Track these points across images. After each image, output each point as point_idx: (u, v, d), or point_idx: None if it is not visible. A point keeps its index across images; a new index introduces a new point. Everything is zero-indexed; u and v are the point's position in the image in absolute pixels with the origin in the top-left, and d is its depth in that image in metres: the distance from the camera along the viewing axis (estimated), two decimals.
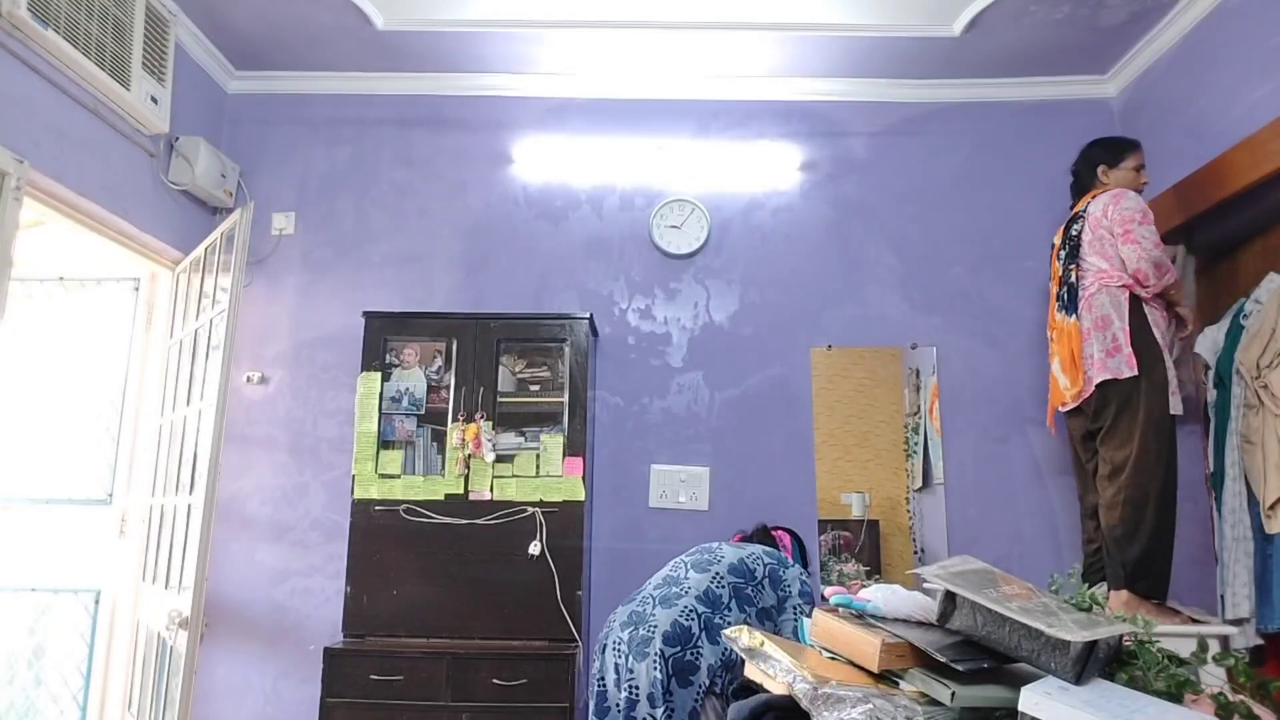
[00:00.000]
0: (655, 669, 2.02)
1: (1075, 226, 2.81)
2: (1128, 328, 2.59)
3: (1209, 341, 3.00)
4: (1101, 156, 2.92)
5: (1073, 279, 2.75)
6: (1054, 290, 2.90)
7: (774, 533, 2.79)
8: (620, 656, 2.11)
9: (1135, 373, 2.54)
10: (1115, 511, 2.55)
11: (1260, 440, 2.70)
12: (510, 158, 3.77)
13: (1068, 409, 2.79)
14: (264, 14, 3.35)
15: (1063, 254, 2.84)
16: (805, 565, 2.77)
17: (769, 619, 2.27)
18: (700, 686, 2.04)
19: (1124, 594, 2.50)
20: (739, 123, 3.80)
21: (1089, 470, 2.79)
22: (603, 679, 2.17)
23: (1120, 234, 2.64)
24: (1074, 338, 2.67)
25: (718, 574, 2.28)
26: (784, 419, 3.56)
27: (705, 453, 3.52)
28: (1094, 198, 2.81)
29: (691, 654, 2.05)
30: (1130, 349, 2.57)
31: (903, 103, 3.78)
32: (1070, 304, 2.73)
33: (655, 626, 2.10)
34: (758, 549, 2.44)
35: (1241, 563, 2.71)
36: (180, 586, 2.82)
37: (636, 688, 2.04)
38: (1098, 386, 2.61)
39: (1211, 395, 2.96)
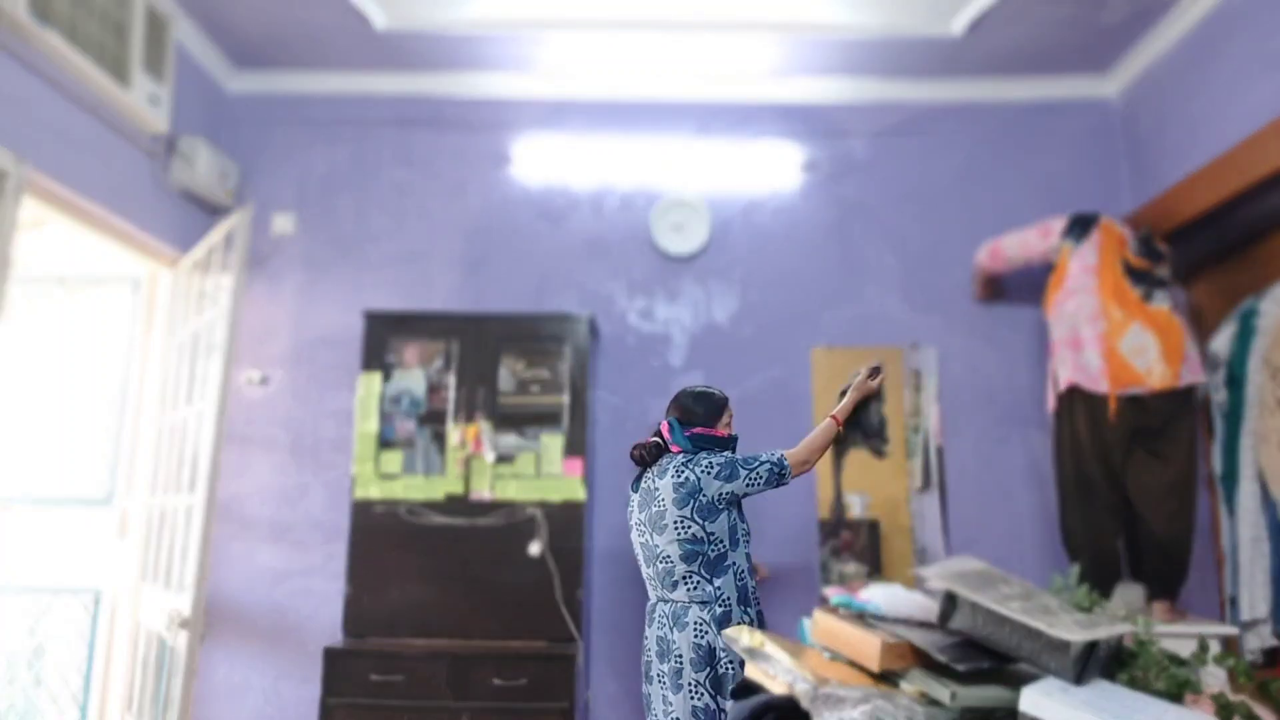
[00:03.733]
0: (693, 698, 2.09)
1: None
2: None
3: (1223, 341, 2.99)
4: None
5: (1156, 274, 2.66)
6: (1118, 265, 2.70)
7: (663, 433, 2.34)
8: (664, 687, 2.19)
9: (1203, 379, 2.57)
10: (1179, 521, 2.51)
11: (1277, 439, 2.70)
12: (510, 158, 3.77)
13: (1130, 393, 2.58)
14: (264, 14, 3.35)
15: (1141, 245, 2.70)
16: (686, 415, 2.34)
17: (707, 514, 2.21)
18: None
19: (1168, 601, 2.50)
20: (739, 123, 3.80)
21: (1118, 465, 2.67)
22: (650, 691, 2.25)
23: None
24: (1176, 331, 2.57)
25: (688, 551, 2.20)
26: (784, 419, 3.55)
27: None
28: None
29: (722, 668, 2.10)
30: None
31: (903, 103, 3.78)
32: (1165, 295, 2.62)
33: (680, 655, 2.15)
34: (668, 501, 2.19)
35: (1259, 563, 2.70)
36: (180, 586, 2.82)
37: (677, 717, 2.13)
38: (1185, 387, 2.56)
39: (1221, 395, 2.95)
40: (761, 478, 2.17)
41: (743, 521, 2.22)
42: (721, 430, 2.30)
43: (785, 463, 2.18)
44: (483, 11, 3.31)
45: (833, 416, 2.28)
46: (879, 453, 2.30)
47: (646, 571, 2.29)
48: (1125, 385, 2.58)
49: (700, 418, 2.29)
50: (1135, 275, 2.68)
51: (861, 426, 2.34)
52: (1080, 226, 2.88)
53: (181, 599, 2.77)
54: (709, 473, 2.17)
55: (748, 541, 2.22)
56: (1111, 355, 2.59)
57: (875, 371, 2.35)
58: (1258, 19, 2.88)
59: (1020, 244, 3.03)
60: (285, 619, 3.43)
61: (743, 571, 2.17)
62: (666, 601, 2.21)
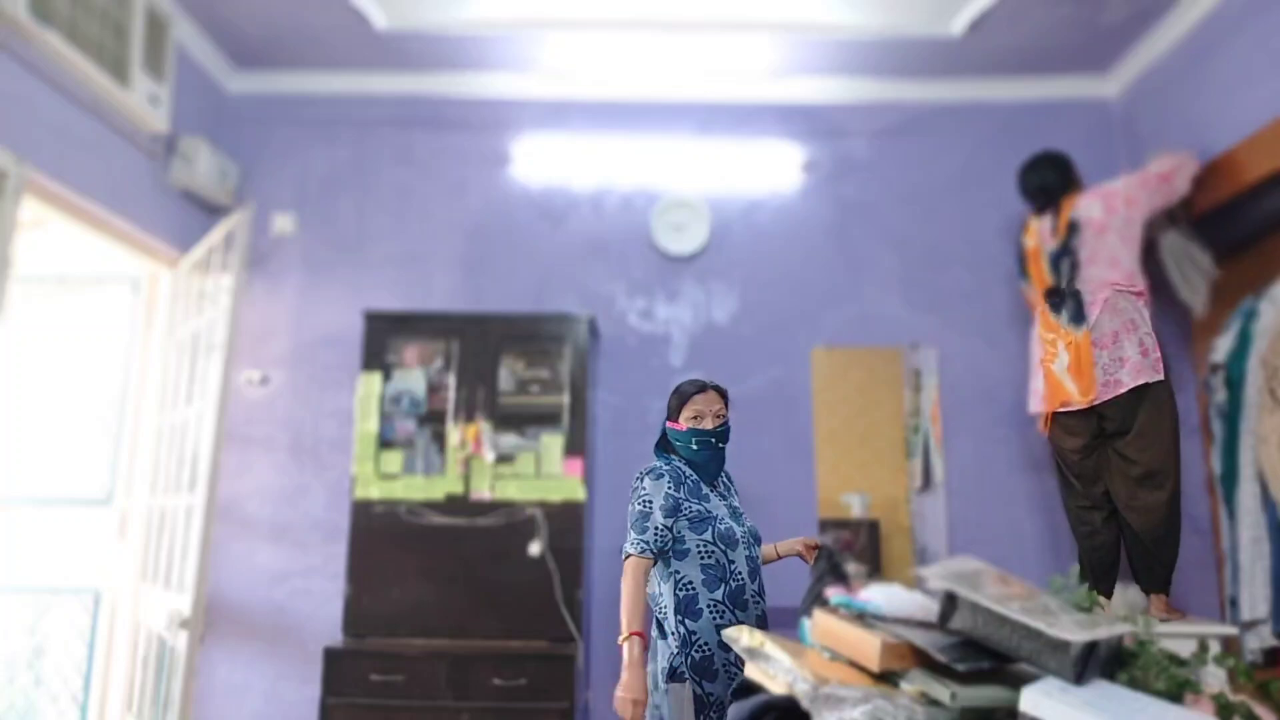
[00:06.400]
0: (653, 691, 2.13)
1: (1072, 239, 2.78)
2: (1152, 331, 2.62)
3: (1223, 342, 2.99)
4: (1072, 172, 2.96)
5: (1073, 289, 2.73)
6: (1040, 292, 2.87)
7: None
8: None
9: (1163, 376, 2.58)
10: (1157, 514, 2.53)
11: (1277, 439, 2.70)
12: (510, 158, 3.77)
13: (1072, 410, 2.72)
14: (264, 14, 3.35)
15: (1059, 263, 2.81)
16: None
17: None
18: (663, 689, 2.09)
19: (1163, 596, 2.52)
20: (739, 123, 3.80)
21: (1087, 468, 2.74)
22: None
23: (1152, 193, 2.73)
24: (1084, 348, 2.64)
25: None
26: (784, 419, 3.56)
27: None
28: (1073, 204, 2.81)
29: (663, 661, 2.11)
30: (1159, 353, 2.59)
31: (903, 103, 3.78)
32: (1076, 314, 2.70)
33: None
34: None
35: (1259, 563, 2.70)
36: (180, 586, 2.82)
37: (658, 706, 2.14)
38: (1131, 389, 2.59)
39: (1220, 396, 2.95)
40: (630, 530, 2.14)
41: (700, 533, 2.12)
42: (682, 424, 2.23)
43: (628, 555, 2.11)
44: (483, 11, 3.31)
45: (633, 635, 2.07)
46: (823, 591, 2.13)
47: None
48: (1060, 403, 2.70)
49: (669, 411, 2.28)
50: (1051, 297, 2.81)
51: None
52: (1019, 263, 3.05)
53: (181, 599, 2.77)
54: (634, 486, 2.19)
55: (708, 553, 2.11)
56: (1049, 376, 2.73)
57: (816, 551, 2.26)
58: (1258, 19, 2.88)
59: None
60: (285, 619, 3.43)
61: (689, 583, 2.09)
62: None
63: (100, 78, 2.82)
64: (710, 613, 2.07)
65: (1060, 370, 2.73)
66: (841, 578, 1.64)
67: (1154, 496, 2.55)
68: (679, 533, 2.12)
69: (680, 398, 2.25)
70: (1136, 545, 2.61)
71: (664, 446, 2.30)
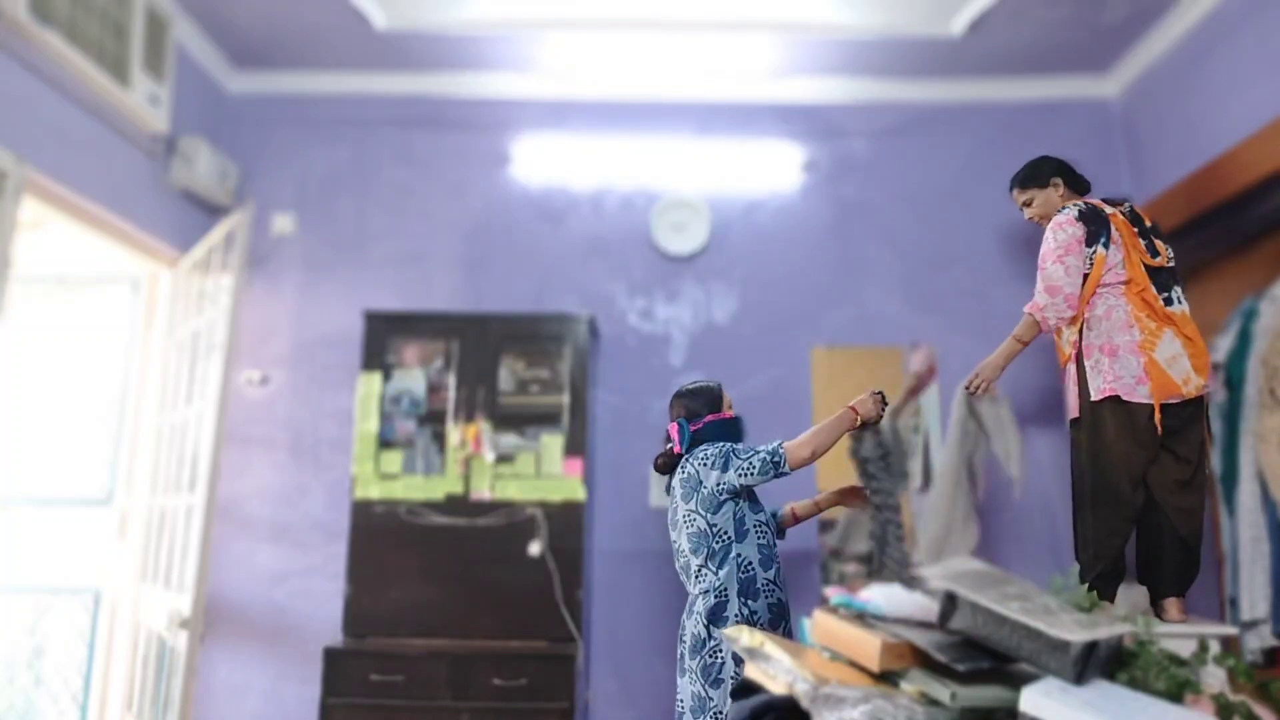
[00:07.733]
0: (692, 683, 2.12)
1: (1159, 228, 2.57)
2: None
3: (1223, 342, 2.97)
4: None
5: (1169, 267, 2.48)
6: (1141, 269, 2.49)
7: (672, 435, 2.37)
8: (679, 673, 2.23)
9: None
10: (1198, 515, 2.45)
11: (1277, 439, 2.68)
12: (510, 158, 3.77)
13: (1174, 401, 2.43)
14: (264, 14, 3.35)
15: (1147, 239, 2.51)
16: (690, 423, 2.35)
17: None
18: (729, 683, 2.08)
19: (1180, 599, 2.47)
20: (739, 123, 3.80)
21: (1141, 474, 2.46)
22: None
23: None
24: (1197, 335, 2.46)
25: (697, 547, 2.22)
26: (784, 419, 3.54)
27: None
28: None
29: (709, 657, 2.11)
30: None
31: (903, 103, 3.78)
32: (1182, 296, 2.46)
33: (685, 641, 2.19)
34: (678, 497, 2.26)
35: (1259, 563, 2.70)
36: (180, 586, 2.82)
37: (681, 700, 2.17)
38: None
39: (1220, 395, 2.94)
40: (754, 468, 2.15)
41: (755, 513, 2.22)
42: (728, 412, 2.39)
43: (781, 453, 2.16)
44: (483, 11, 3.31)
45: (851, 407, 2.24)
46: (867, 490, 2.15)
47: (675, 566, 2.33)
48: (1167, 396, 2.41)
49: (705, 408, 2.36)
50: (1153, 275, 2.56)
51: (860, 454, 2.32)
52: (1101, 228, 2.62)
53: (181, 599, 2.77)
54: (705, 464, 2.20)
55: (763, 533, 2.21)
56: (1152, 366, 2.42)
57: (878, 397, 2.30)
58: (1258, 19, 2.88)
59: (1072, 270, 2.68)
60: (285, 619, 3.42)
61: (749, 564, 2.15)
62: (690, 594, 2.26)
63: (100, 78, 2.82)
64: (765, 593, 2.15)
65: (1165, 360, 2.43)
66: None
67: (1196, 498, 2.47)
68: (740, 513, 2.19)
69: (717, 393, 2.39)
70: (1175, 548, 2.48)
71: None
